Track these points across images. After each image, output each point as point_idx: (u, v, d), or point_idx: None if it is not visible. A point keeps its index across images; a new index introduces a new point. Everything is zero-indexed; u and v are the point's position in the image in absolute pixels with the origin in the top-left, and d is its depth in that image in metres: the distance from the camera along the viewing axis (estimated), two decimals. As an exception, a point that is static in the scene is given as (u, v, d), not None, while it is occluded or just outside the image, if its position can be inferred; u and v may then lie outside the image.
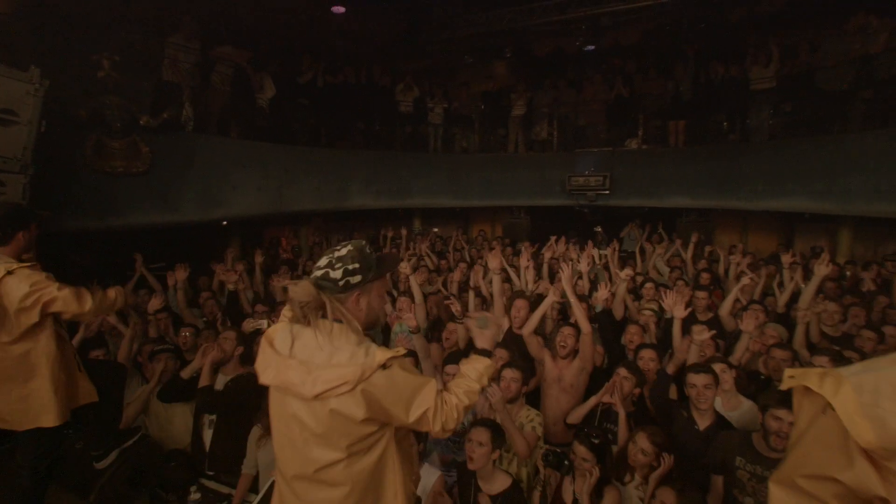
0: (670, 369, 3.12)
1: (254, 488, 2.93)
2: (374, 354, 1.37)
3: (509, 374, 2.87)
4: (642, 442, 2.43)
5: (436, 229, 11.06)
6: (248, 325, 3.82)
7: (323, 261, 1.46)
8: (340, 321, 1.44)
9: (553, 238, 6.93)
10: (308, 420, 1.39)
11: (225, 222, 8.04)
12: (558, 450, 2.62)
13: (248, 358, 3.51)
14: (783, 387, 1.01)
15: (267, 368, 1.44)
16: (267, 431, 2.89)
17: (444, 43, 9.32)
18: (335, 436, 1.38)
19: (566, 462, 2.41)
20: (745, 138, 8.36)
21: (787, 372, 1.00)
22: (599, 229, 8.71)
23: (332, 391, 1.32)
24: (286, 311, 1.57)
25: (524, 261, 4.99)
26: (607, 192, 9.13)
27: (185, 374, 3.32)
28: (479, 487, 2.38)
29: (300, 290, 1.40)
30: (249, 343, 3.53)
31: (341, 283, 1.42)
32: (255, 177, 7.76)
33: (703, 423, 2.72)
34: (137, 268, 5.14)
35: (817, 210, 7.42)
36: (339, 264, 1.43)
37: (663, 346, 3.76)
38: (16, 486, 2.51)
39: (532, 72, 10.71)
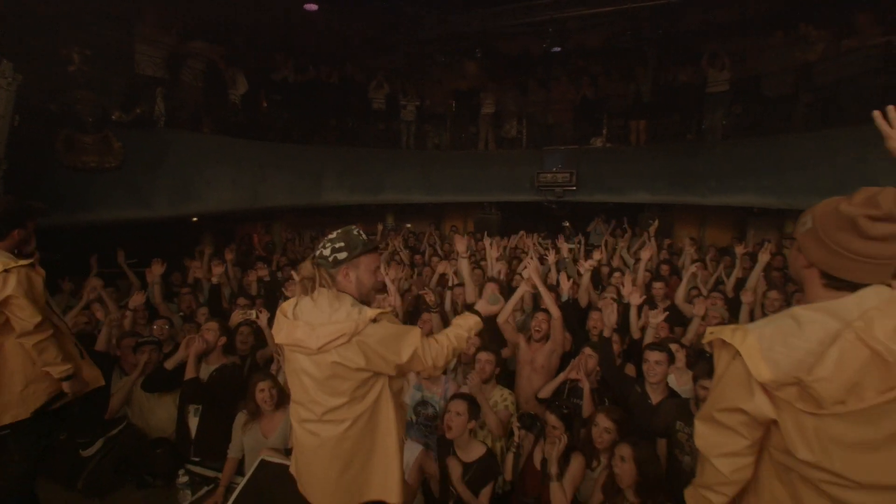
0: (606, 333, 3.25)
1: (239, 471, 3.01)
2: (366, 312, 1.66)
3: (484, 356, 3.10)
4: (603, 421, 2.60)
5: (408, 225, 11.20)
6: (238, 316, 3.92)
7: (321, 244, 1.77)
8: (338, 291, 1.73)
9: (522, 233, 7.24)
10: (313, 371, 1.68)
11: (195, 218, 7.95)
12: (532, 412, 2.87)
13: (231, 348, 3.63)
14: (704, 340, 1.25)
15: (280, 331, 1.75)
16: (252, 417, 3.02)
17: (416, 42, 9.45)
18: (337, 382, 1.66)
19: (538, 424, 2.66)
20: (701, 138, 8.83)
21: (709, 329, 1.23)
22: (567, 224, 9.09)
23: (332, 343, 1.60)
24: (294, 290, 1.86)
25: (494, 251, 5.29)
26: (574, 188, 9.50)
27: (170, 364, 3.37)
28: (456, 456, 2.59)
29: (304, 267, 1.74)
30: (232, 334, 3.63)
31: (330, 259, 1.71)
32: (228, 172, 7.71)
33: (655, 397, 2.93)
34: (94, 265, 5.16)
35: (764, 205, 7.95)
36: (328, 244, 1.74)
37: (622, 330, 4.05)
38: (6, 473, 2.54)
39: (501, 72, 10.95)
